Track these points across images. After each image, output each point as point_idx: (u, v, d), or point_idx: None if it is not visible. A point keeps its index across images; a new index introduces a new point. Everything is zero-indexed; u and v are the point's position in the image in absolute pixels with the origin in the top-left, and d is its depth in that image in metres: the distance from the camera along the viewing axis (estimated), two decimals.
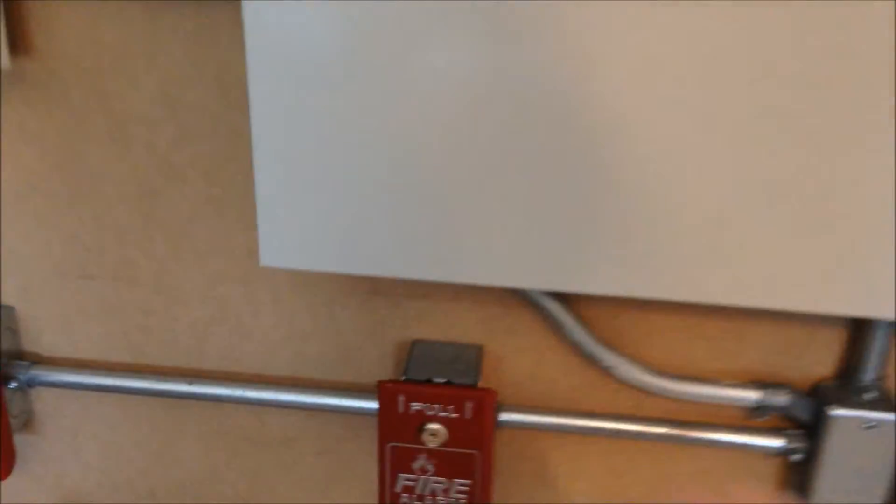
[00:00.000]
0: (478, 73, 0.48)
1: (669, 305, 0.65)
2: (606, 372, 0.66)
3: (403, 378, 0.65)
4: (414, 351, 0.68)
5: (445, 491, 0.66)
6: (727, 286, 0.52)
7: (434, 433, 0.63)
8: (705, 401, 0.66)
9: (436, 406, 0.63)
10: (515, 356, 0.69)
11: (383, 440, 0.65)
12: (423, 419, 0.64)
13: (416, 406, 0.63)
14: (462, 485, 0.66)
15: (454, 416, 0.63)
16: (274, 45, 0.49)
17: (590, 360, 0.66)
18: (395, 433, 0.65)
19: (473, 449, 0.64)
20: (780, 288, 0.51)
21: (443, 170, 0.51)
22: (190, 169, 0.65)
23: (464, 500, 0.66)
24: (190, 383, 0.72)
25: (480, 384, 0.64)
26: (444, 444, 0.64)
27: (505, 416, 0.67)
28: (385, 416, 0.64)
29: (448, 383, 0.64)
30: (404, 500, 0.67)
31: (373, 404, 0.68)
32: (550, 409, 0.69)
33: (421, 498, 0.67)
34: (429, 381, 0.64)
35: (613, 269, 0.52)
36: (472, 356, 0.68)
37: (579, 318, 0.65)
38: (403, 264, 0.54)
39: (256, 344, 0.72)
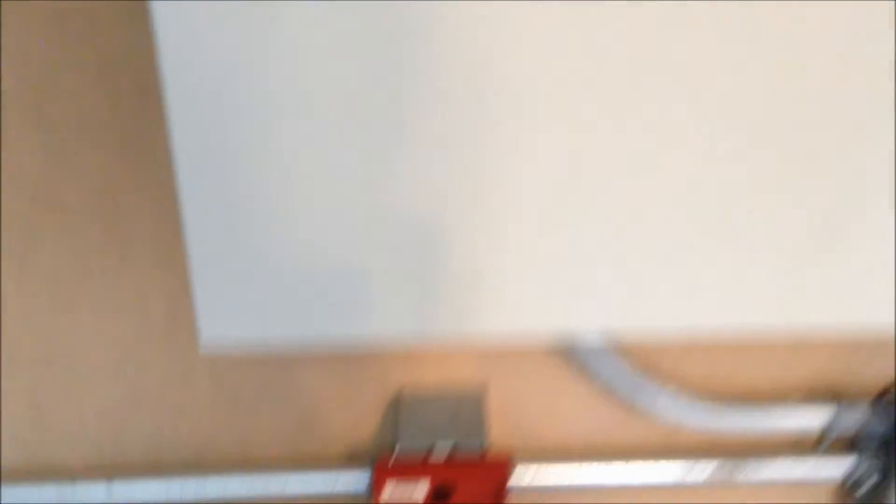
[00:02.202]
0: None
1: None
2: (636, 409, 0.53)
3: (396, 450, 0.50)
4: (401, 408, 0.53)
5: None
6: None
7: None
8: (764, 428, 0.54)
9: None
10: (525, 400, 0.55)
11: None
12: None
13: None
14: None
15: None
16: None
17: (618, 397, 0.53)
18: None
19: None
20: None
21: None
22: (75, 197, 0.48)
23: None
24: (110, 482, 0.55)
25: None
26: None
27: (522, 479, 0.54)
28: None
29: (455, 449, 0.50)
30: None
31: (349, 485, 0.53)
32: (570, 458, 0.55)
33: None
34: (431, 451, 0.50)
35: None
36: (473, 407, 0.54)
37: (615, 349, 0.52)
38: (383, 319, 0.45)
39: (191, 424, 0.56)
